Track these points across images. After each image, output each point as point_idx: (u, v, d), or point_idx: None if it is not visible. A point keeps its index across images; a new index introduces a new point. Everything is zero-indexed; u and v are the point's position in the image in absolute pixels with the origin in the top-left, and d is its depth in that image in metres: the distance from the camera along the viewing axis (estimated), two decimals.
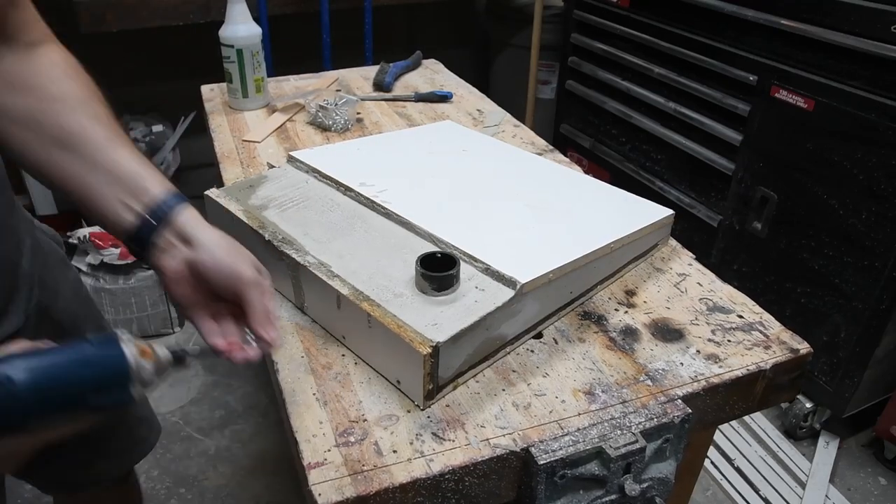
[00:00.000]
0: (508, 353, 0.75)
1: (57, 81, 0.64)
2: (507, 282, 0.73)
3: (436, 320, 0.67)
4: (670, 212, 0.94)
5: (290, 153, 1.01)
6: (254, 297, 0.59)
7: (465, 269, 0.75)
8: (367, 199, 0.89)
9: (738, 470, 1.69)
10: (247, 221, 0.84)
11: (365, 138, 1.16)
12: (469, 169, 1.03)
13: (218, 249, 0.60)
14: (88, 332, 0.87)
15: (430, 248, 0.79)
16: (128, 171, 0.62)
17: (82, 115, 0.63)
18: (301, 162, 0.99)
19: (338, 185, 0.94)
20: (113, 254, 1.95)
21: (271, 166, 1.02)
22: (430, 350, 0.63)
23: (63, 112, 0.63)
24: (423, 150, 1.09)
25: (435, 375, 0.66)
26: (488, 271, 0.75)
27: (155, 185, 0.62)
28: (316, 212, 0.88)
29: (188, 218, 0.62)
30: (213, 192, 0.91)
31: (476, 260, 0.76)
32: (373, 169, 0.99)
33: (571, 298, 0.82)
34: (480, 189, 0.95)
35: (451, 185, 0.96)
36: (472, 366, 0.71)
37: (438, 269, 0.71)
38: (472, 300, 0.71)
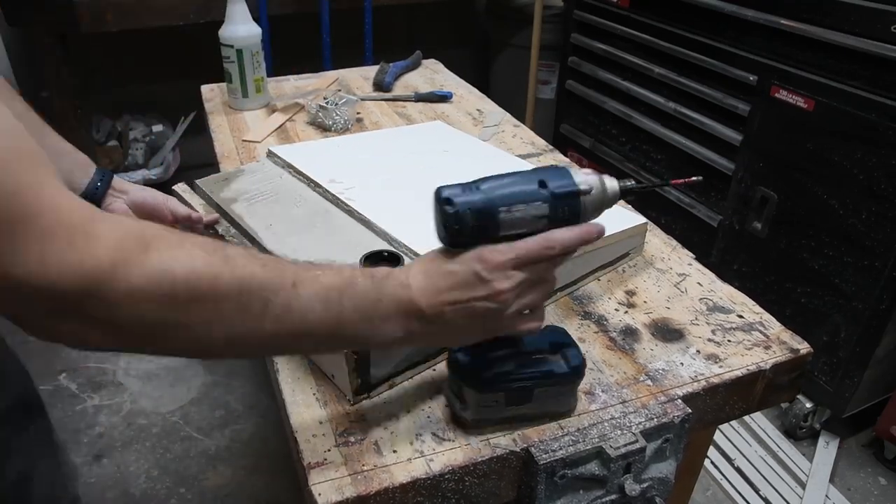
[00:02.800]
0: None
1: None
2: None
3: None
4: (643, 220, 0.93)
5: (270, 148, 1.03)
6: (173, 205, 0.88)
7: None
8: (333, 195, 0.91)
9: (738, 470, 1.69)
10: (205, 215, 0.89)
11: (350, 136, 1.17)
12: (445, 170, 1.03)
13: (142, 192, 0.88)
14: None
15: (383, 246, 0.81)
16: (67, 150, 0.82)
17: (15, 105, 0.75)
18: (278, 157, 1.01)
19: (308, 181, 0.96)
20: None
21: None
22: None
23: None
24: (405, 149, 1.10)
25: (365, 372, 0.66)
26: None
27: (88, 161, 0.85)
28: (282, 206, 0.90)
29: (118, 180, 0.87)
30: (178, 187, 0.94)
31: None
32: (348, 167, 1.01)
33: None
34: None
35: (422, 186, 0.95)
36: (412, 366, 0.71)
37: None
38: None
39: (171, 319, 0.46)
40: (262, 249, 0.81)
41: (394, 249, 0.77)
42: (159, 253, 0.45)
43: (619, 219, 0.91)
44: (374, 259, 0.74)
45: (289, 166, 0.99)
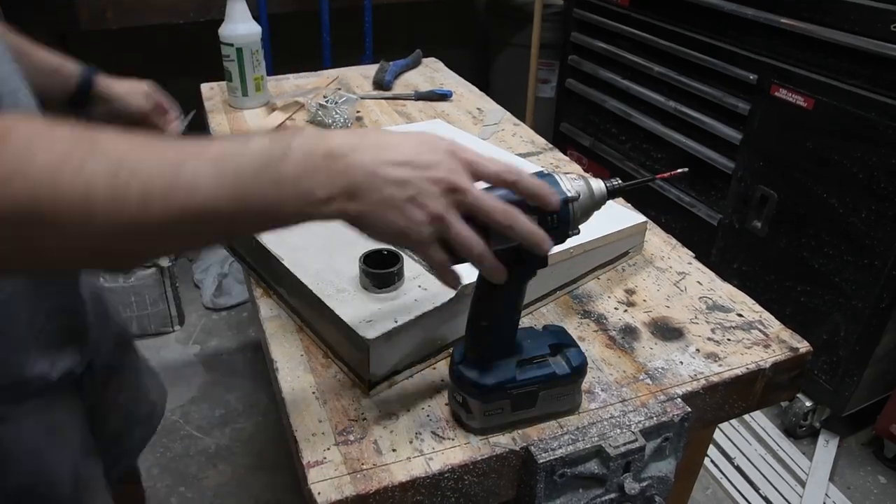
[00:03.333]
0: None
1: None
2: None
3: (372, 317, 0.68)
4: (643, 218, 0.92)
5: None
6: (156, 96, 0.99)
7: (412, 268, 0.75)
8: None
9: (738, 469, 1.69)
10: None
11: None
12: None
13: (120, 85, 0.96)
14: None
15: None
16: (57, 62, 0.89)
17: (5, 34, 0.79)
18: None
19: None
20: None
21: None
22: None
23: None
24: None
25: (365, 371, 0.66)
26: (433, 270, 0.75)
27: (74, 66, 0.90)
28: None
29: (104, 84, 0.94)
30: None
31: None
32: None
33: (526, 302, 0.77)
34: None
35: None
36: (411, 364, 0.71)
37: (383, 267, 0.72)
38: (412, 299, 0.71)
39: (34, 218, 0.39)
40: (260, 247, 0.81)
41: (393, 249, 0.76)
42: (16, 141, 0.39)
43: (619, 217, 0.90)
44: (373, 258, 0.74)
45: None
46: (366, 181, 0.47)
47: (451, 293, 0.70)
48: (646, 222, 0.93)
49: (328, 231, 0.82)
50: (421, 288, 0.73)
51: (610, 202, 0.83)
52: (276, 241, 0.81)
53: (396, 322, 0.67)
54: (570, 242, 0.77)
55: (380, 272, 0.71)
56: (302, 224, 0.49)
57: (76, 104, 0.91)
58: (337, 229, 0.83)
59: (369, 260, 0.73)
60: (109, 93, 0.94)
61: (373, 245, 0.78)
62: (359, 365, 0.68)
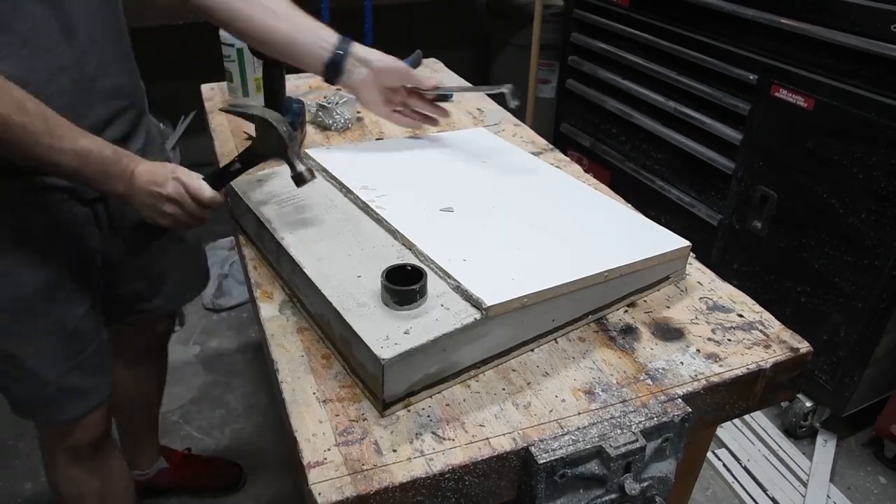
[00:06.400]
0: (472, 377, 0.71)
1: None
2: (474, 302, 0.69)
3: (389, 335, 0.65)
4: (686, 243, 0.86)
5: (305, 150, 1.01)
6: (419, 78, 1.02)
7: (435, 285, 0.72)
8: (364, 202, 0.88)
9: (738, 468, 1.69)
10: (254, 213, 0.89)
11: (389, 140, 1.14)
12: (482, 181, 0.99)
13: (385, 60, 0.99)
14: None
15: (410, 258, 0.78)
16: (313, 25, 0.97)
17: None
18: (313, 160, 0.99)
19: (340, 187, 0.93)
20: None
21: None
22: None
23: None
24: (443, 157, 1.06)
25: (379, 391, 0.64)
26: (458, 289, 0.72)
27: (331, 32, 0.97)
28: (312, 211, 0.88)
29: (358, 48, 0.98)
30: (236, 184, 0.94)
31: (449, 276, 0.73)
32: (383, 173, 0.98)
33: (553, 327, 0.76)
34: (485, 203, 0.92)
35: (456, 197, 0.93)
36: (429, 386, 0.68)
37: (406, 283, 0.69)
38: (434, 318, 0.68)
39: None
40: (286, 255, 0.79)
41: (418, 264, 0.72)
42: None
43: (657, 240, 0.85)
44: (396, 274, 0.70)
45: (322, 170, 0.97)
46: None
47: (474, 314, 0.68)
48: (688, 247, 0.87)
49: (354, 241, 0.82)
50: (443, 307, 0.69)
51: (651, 224, 0.82)
52: (301, 249, 0.79)
53: (415, 342, 0.64)
54: (606, 264, 0.77)
55: (402, 289, 0.68)
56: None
57: (331, 70, 0.96)
58: (363, 238, 0.83)
59: (392, 275, 0.70)
60: (365, 62, 0.97)
61: (397, 260, 0.76)
62: (373, 384, 0.66)
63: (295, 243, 0.81)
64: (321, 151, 1.03)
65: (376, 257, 0.78)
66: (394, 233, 0.83)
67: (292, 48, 0.96)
